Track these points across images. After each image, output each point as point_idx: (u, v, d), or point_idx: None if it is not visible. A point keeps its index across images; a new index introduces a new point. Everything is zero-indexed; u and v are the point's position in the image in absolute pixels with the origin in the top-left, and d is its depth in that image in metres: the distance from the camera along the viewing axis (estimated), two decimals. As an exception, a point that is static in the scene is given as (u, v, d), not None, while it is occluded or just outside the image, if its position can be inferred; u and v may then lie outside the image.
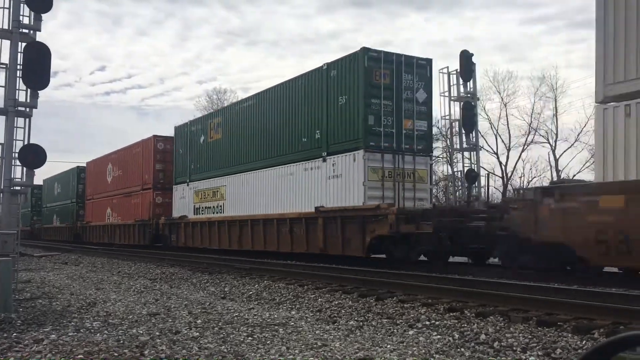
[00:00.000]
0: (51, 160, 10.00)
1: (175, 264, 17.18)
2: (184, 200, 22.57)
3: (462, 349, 5.69)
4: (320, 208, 14.81)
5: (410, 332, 6.55)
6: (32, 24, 9.00)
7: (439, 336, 6.30)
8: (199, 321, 7.26)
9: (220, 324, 7.02)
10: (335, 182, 14.69)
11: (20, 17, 8.90)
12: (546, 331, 6.32)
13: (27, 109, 8.94)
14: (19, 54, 8.84)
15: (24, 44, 8.89)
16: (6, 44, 8.91)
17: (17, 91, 8.83)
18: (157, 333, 6.44)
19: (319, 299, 9.29)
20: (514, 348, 5.67)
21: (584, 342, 5.78)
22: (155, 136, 24.48)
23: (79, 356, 5.22)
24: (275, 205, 17.00)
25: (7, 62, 8.88)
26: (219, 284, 12.11)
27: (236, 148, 19.51)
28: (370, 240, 13.43)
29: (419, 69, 14.73)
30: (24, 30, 8.94)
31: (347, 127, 14.44)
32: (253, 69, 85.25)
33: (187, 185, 22.35)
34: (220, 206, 20.19)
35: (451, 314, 7.56)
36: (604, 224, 9.67)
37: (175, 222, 22.49)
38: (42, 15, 9.06)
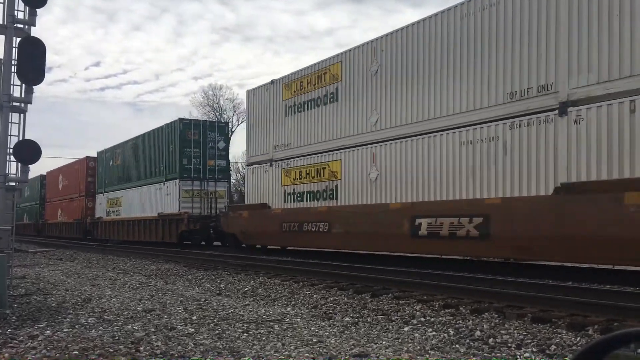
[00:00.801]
0: (46, 156, 9.99)
1: (170, 260, 17.17)
2: (101, 206, 30.65)
3: (457, 345, 5.70)
4: (160, 213, 23.70)
5: (406, 329, 6.57)
6: (26, 19, 8.94)
7: (434, 332, 6.31)
8: (194, 317, 7.26)
9: (215, 320, 7.02)
10: (168, 198, 23.36)
11: (15, 12, 8.84)
12: (541, 328, 6.34)
13: (22, 105, 8.89)
14: (13, 49, 8.80)
15: (18, 39, 8.84)
16: (0, 39, 8.86)
17: (11, 86, 8.79)
18: (153, 329, 6.44)
19: (315, 296, 9.30)
20: (509, 344, 5.69)
21: (579, 338, 5.81)
22: (87, 157, 32.73)
23: (74, 352, 5.22)
24: (142, 210, 25.49)
25: (1, 57, 8.84)
26: (215, 280, 12.10)
27: (127, 171, 27.77)
28: (180, 232, 22.18)
29: (220, 128, 24.42)
30: (19, 25, 8.89)
31: (173, 165, 23.10)
32: (249, 65, 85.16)
33: (103, 194, 30.53)
34: (119, 210, 28.38)
35: (446, 310, 7.58)
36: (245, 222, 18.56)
37: (95, 221, 31.00)
38: (37, 10, 9.01)
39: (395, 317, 7.31)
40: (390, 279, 10.25)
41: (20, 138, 8.86)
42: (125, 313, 7.62)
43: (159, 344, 5.66)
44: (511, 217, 10.40)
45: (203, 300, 8.95)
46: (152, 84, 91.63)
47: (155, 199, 24.39)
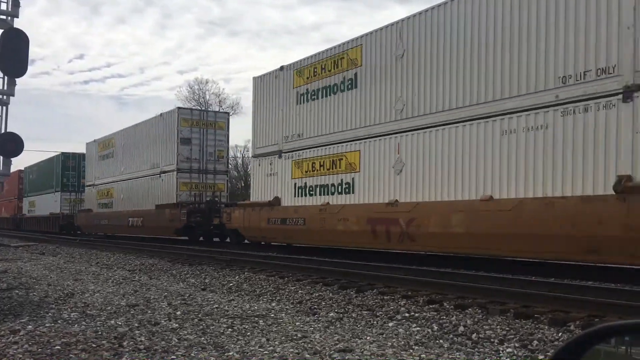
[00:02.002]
0: (28, 149, 9.87)
1: (155, 255, 17.08)
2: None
3: (441, 341, 5.74)
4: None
5: (390, 324, 6.60)
6: (9, 10, 8.82)
7: (418, 328, 6.35)
8: (178, 312, 7.23)
9: (200, 316, 7.00)
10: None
11: (-2, 3, 8.72)
12: (523, 323, 6.40)
13: (4, 97, 8.78)
14: (-5, 40, 8.66)
15: (1, 31, 8.72)
16: (-18, 30, 8.72)
17: (-7, 78, 8.67)
18: (136, 324, 6.40)
19: (300, 291, 9.31)
20: (492, 340, 5.74)
21: (560, 334, 5.87)
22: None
23: (57, 347, 5.17)
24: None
25: (-17, 48, 8.69)
26: (199, 275, 12.06)
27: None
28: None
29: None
30: (2, 17, 8.77)
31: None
32: (235, 59, 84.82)
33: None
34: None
35: (430, 306, 7.62)
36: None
37: (21, 216, 37.77)
38: (20, 1, 8.89)
39: (380, 312, 7.34)
40: (376, 274, 10.29)
41: (2, 131, 8.76)
42: (109, 308, 7.56)
43: (143, 339, 5.63)
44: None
45: (187, 295, 8.91)
46: (137, 78, 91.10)
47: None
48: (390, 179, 13.05)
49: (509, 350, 5.38)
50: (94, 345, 5.28)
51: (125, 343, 5.42)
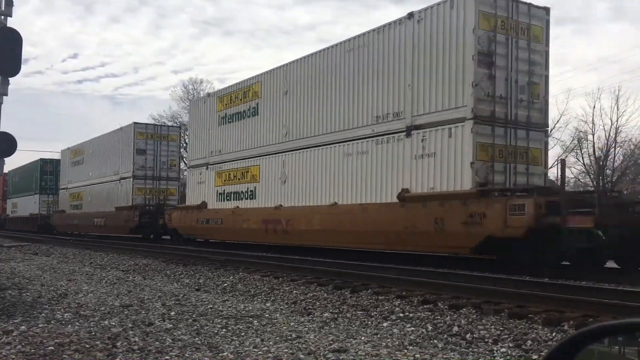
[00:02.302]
0: (21, 149, 9.82)
1: (149, 255, 17.03)
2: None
3: (435, 341, 5.75)
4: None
5: (385, 324, 6.60)
6: (3, 9, 8.77)
7: (412, 328, 6.36)
8: (172, 313, 7.21)
9: (194, 316, 6.98)
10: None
11: (-9, 2, 8.66)
12: (517, 323, 6.42)
13: (-3, 96, 8.72)
14: (-11, 39, 8.61)
15: (-6, 30, 8.66)
16: (-25, 29, 8.66)
17: (-14, 78, 8.61)
18: (130, 325, 6.38)
19: (294, 291, 9.30)
20: (486, 340, 5.75)
21: (554, 334, 5.89)
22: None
23: (50, 347, 5.15)
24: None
25: (-24, 47, 8.64)
26: (194, 275, 12.04)
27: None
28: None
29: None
30: (-5, 16, 8.71)
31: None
32: (229, 59, 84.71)
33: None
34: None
35: (425, 306, 7.63)
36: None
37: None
38: (13, 0, 8.85)
39: (375, 312, 7.35)
40: (370, 274, 10.29)
41: (-5, 130, 8.70)
42: (102, 308, 7.54)
43: (137, 339, 5.61)
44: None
45: (182, 295, 8.89)
46: (131, 77, 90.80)
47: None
48: (278, 188, 17.10)
49: (503, 350, 5.39)
50: (87, 346, 5.25)
51: (119, 343, 5.40)
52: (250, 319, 6.83)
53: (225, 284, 10.49)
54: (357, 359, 4.93)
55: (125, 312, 7.24)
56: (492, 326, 6.30)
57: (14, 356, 4.86)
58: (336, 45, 15.41)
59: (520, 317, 6.63)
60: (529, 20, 12.60)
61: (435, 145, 12.41)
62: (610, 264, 11.11)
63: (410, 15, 13.14)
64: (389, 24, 13.81)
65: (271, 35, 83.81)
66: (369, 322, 6.76)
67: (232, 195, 19.32)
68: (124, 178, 26.86)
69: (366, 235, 13.50)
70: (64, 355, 4.91)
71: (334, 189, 14.96)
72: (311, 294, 8.93)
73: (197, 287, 10.22)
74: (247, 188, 18.54)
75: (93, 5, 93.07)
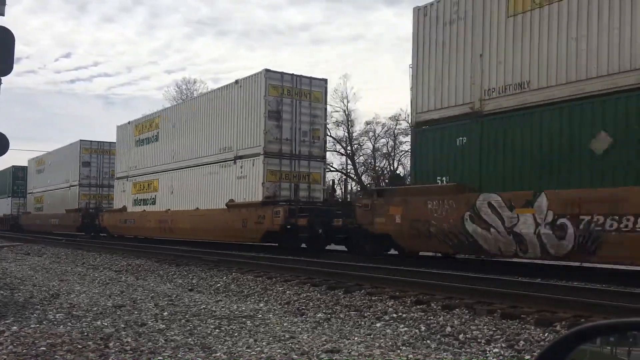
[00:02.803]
0: (13, 148, 9.81)
1: (142, 256, 16.97)
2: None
3: (428, 341, 5.76)
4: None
5: (378, 325, 6.61)
6: (-5, 8, 8.72)
7: (405, 328, 6.36)
8: (165, 313, 7.19)
9: (187, 316, 6.97)
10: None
11: (-17, 1, 8.62)
12: (510, 323, 6.44)
13: (-11, 96, 8.67)
14: (-19, 38, 8.56)
15: (-14, 29, 8.61)
16: (-33, 28, 8.61)
17: (-22, 77, 8.56)
18: (123, 325, 6.36)
19: (287, 292, 9.29)
20: (479, 340, 5.77)
21: (547, 334, 5.91)
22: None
23: (42, 348, 5.12)
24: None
25: (-32, 46, 8.59)
26: (187, 276, 12.01)
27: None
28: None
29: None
30: (-13, 15, 8.67)
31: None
32: (223, 59, 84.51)
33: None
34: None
35: (418, 306, 7.64)
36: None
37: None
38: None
39: (368, 313, 7.35)
40: (364, 275, 10.30)
41: (-13, 130, 8.64)
42: (95, 309, 7.51)
43: (129, 340, 5.59)
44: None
45: (175, 296, 8.87)
46: (124, 77, 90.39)
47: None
48: (168, 197, 23.17)
49: (496, 350, 5.40)
50: (79, 346, 5.23)
51: (111, 344, 5.38)
52: (244, 319, 6.82)
53: (219, 285, 10.47)
54: (350, 359, 4.93)
55: (118, 313, 7.22)
56: (485, 326, 6.32)
57: (5, 357, 4.83)
58: (201, 95, 22.92)
59: (513, 318, 6.65)
60: (311, 87, 18.40)
61: (247, 170, 18.31)
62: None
63: (237, 82, 19.16)
64: (226, 85, 20.12)
65: (265, 35, 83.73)
66: (362, 323, 6.76)
67: (142, 201, 25.43)
68: (72, 185, 32.46)
69: (210, 231, 19.96)
70: (56, 356, 4.89)
71: (197, 198, 21.05)
72: (304, 295, 8.92)
73: (190, 288, 10.19)
74: (151, 196, 24.71)
75: (86, 4, 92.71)
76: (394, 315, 7.14)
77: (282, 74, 18.03)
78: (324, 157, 19.77)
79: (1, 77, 8.80)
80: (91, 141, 32.55)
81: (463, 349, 5.46)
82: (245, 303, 8.31)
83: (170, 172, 23.16)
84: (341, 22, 79.40)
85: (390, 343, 5.60)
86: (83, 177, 31.80)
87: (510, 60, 11.15)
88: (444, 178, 12.37)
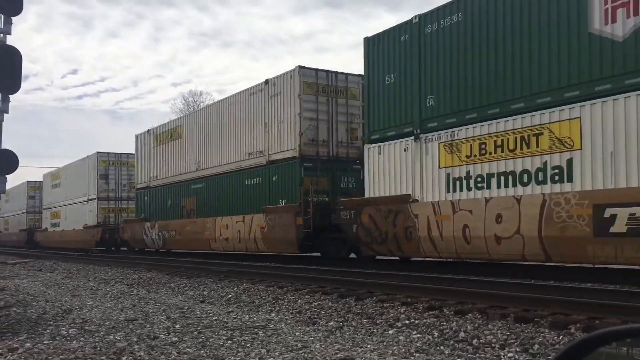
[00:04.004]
0: (23, 165, 9.87)
1: (153, 269, 17.01)
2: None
3: (442, 347, 5.72)
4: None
5: (390, 332, 6.57)
6: (2, 27, 8.81)
7: (418, 335, 6.33)
8: (177, 326, 7.19)
9: (199, 328, 6.96)
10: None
11: (-10, 21, 8.70)
12: (524, 327, 6.38)
13: (-2, 114, 8.74)
14: (-12, 57, 8.64)
15: (-7, 48, 8.69)
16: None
17: (-13, 96, 8.63)
18: (135, 339, 6.36)
19: (299, 301, 9.27)
20: (493, 345, 5.72)
21: (561, 337, 5.86)
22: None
23: (55, 364, 5.13)
24: None
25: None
26: (198, 287, 12.01)
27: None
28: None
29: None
30: (-6, 34, 8.75)
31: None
32: (227, 70, 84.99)
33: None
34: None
35: (430, 312, 7.60)
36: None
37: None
38: (12, 18, 8.88)
39: (380, 320, 7.31)
40: (375, 282, 10.26)
41: (-3, 148, 8.70)
42: (107, 323, 7.52)
43: (142, 353, 5.60)
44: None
45: (186, 308, 8.87)
46: (131, 91, 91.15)
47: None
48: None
49: (510, 355, 5.36)
50: (93, 361, 5.24)
51: (124, 358, 5.39)
52: (256, 329, 6.81)
53: (230, 295, 10.46)
54: (364, 368, 4.90)
55: (130, 326, 7.22)
56: (499, 331, 6.27)
57: (19, 374, 4.84)
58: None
59: (526, 321, 6.59)
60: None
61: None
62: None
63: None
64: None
65: (268, 45, 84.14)
66: (375, 330, 6.73)
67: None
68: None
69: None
70: (70, 372, 4.90)
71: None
72: (316, 303, 8.90)
73: (201, 299, 10.19)
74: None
75: (91, 20, 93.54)
76: (407, 321, 7.10)
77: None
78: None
79: (9, 96, 8.87)
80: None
81: (477, 354, 5.42)
82: (257, 313, 8.29)
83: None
84: (343, 30, 79.68)
85: (403, 350, 5.57)
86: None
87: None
88: None
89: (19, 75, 8.86)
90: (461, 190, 11.43)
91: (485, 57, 11.10)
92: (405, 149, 12.68)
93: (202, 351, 5.69)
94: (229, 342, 6.12)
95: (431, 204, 11.88)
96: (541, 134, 10.05)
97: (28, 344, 6.03)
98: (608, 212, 8.81)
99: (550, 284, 9.05)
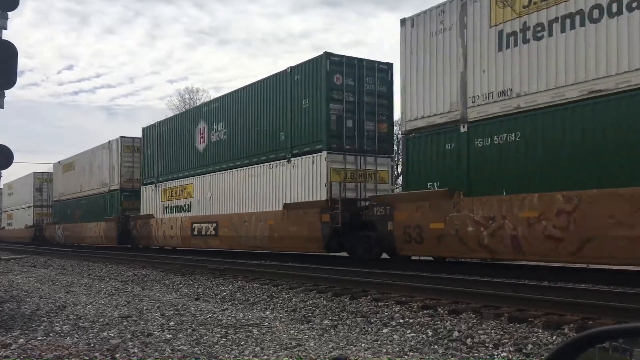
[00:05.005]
0: (17, 161, 9.84)
1: (147, 266, 16.98)
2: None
3: (436, 346, 5.73)
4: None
5: (385, 331, 6.58)
6: (-3, 22, 8.77)
7: (412, 334, 6.34)
8: (171, 323, 7.18)
9: (193, 326, 6.96)
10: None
11: (-14, 15, 8.66)
12: (517, 327, 6.40)
13: (-7, 109, 8.71)
14: (-16, 52, 8.60)
15: (-11, 43, 8.65)
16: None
17: (-18, 90, 8.60)
18: (129, 336, 6.36)
19: (294, 299, 9.28)
20: (486, 344, 5.74)
21: (555, 337, 5.88)
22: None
23: (49, 360, 5.12)
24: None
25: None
26: (192, 285, 12.00)
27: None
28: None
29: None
30: (-10, 29, 8.71)
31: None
32: (225, 68, 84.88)
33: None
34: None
35: (424, 311, 7.62)
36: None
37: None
38: (8, 13, 8.84)
39: (374, 319, 7.32)
40: (370, 281, 10.27)
41: (-8, 143, 8.68)
42: (101, 320, 7.51)
43: (136, 350, 5.59)
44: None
45: (181, 305, 8.86)
46: (127, 88, 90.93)
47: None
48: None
49: (504, 354, 5.37)
50: (86, 358, 5.23)
51: (118, 355, 5.38)
52: (250, 327, 6.81)
53: (224, 293, 10.46)
54: (358, 366, 4.91)
55: (124, 323, 7.21)
56: (493, 330, 6.29)
57: (12, 370, 4.83)
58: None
59: (520, 321, 6.61)
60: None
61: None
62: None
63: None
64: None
65: (266, 43, 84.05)
66: (369, 329, 6.74)
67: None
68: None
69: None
70: (63, 368, 4.89)
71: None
72: (310, 302, 8.90)
73: (196, 297, 10.18)
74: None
75: (88, 16, 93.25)
76: (401, 320, 7.11)
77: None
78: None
79: (4, 91, 8.84)
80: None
81: (471, 354, 5.44)
82: (252, 311, 8.29)
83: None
84: (342, 29, 79.65)
85: (397, 349, 5.58)
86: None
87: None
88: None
89: (15, 70, 8.82)
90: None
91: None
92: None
93: (196, 348, 5.69)
94: (223, 339, 6.12)
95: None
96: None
97: (21, 340, 6.01)
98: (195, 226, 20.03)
99: (544, 284, 9.07)
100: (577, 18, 9.62)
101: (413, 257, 13.66)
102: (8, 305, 9.12)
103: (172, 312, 8.15)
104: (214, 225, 19.20)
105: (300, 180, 15.58)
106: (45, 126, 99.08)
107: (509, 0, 10.70)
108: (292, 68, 16.12)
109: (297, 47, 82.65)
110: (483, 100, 11.03)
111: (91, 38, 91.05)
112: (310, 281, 11.02)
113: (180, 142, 22.23)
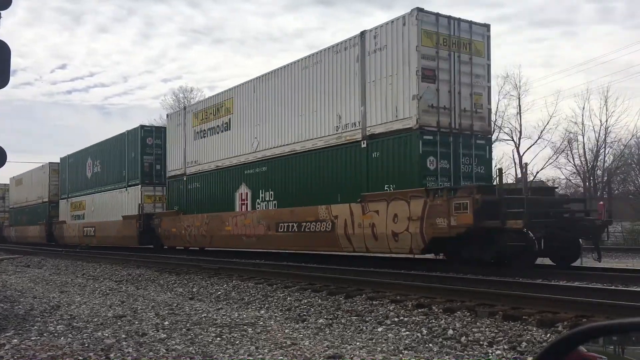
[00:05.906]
0: (11, 160, 9.79)
1: (142, 265, 16.95)
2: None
3: (430, 345, 5.75)
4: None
5: (379, 329, 6.59)
6: (-10, 21, 8.72)
7: (407, 332, 6.35)
8: (166, 322, 7.16)
9: (188, 325, 6.95)
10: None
11: (-22, 14, 8.61)
12: (512, 325, 6.42)
13: (-14, 108, 8.67)
14: (-24, 51, 8.55)
15: (-19, 42, 8.60)
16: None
17: (-25, 90, 8.55)
18: (124, 335, 6.34)
19: (288, 298, 9.28)
20: (481, 342, 5.75)
21: (549, 335, 5.90)
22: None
23: (42, 361, 5.10)
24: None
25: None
26: (187, 284, 11.98)
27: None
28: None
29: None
30: (-18, 28, 8.66)
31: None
32: (219, 67, 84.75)
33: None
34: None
35: (419, 310, 7.63)
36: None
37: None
38: (1, 12, 8.80)
39: (369, 317, 7.33)
40: (365, 279, 10.28)
41: (-15, 142, 8.62)
42: (95, 320, 7.48)
43: (130, 350, 5.58)
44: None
45: (175, 305, 8.85)
46: (120, 87, 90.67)
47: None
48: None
49: (498, 352, 5.39)
50: (80, 358, 5.22)
51: (112, 355, 5.36)
52: (245, 327, 6.80)
53: (219, 292, 10.44)
54: (353, 365, 4.91)
55: (119, 323, 7.19)
56: (487, 329, 6.31)
57: (6, 370, 4.81)
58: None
59: (514, 319, 6.63)
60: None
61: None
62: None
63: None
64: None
65: (261, 42, 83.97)
66: (364, 327, 6.75)
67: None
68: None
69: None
70: (57, 368, 4.87)
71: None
72: (305, 301, 8.91)
73: (190, 296, 10.17)
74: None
75: (81, 15, 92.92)
76: (396, 319, 7.12)
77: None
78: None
79: (-3, 90, 8.78)
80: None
81: (465, 352, 5.45)
82: (247, 310, 8.29)
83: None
84: (336, 28, 79.66)
85: (392, 347, 5.59)
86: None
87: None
88: None
89: (8, 69, 8.78)
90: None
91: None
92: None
93: (191, 348, 5.68)
94: (218, 339, 6.11)
95: None
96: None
97: (15, 340, 5.99)
98: (84, 229, 29.22)
99: (538, 282, 9.10)
100: (216, 129, 19.74)
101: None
102: (2, 305, 9.08)
103: (166, 311, 8.14)
104: (94, 229, 27.82)
105: (129, 201, 24.02)
106: (39, 125, 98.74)
107: (197, 115, 20.92)
108: (129, 131, 24.86)
109: (291, 46, 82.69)
110: (191, 164, 21.15)
111: (84, 37, 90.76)
112: (305, 280, 11.02)
113: (79, 171, 30.23)
